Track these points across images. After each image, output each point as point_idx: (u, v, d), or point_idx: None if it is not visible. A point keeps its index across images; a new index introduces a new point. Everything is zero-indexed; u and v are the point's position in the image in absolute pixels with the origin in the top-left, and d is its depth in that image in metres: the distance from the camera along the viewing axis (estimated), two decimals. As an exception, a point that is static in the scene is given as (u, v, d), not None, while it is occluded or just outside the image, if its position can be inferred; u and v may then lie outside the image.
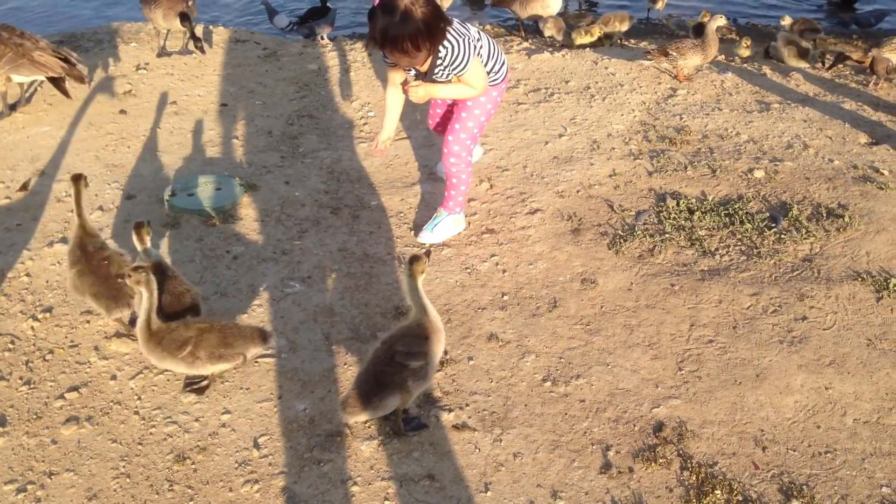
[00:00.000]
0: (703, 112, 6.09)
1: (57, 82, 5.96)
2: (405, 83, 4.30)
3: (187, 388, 3.63)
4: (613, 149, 5.60)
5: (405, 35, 3.78)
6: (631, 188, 5.13)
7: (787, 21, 8.03)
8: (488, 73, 4.36)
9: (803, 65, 7.18)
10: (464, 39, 4.06)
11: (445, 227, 4.68)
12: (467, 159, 4.54)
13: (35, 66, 5.76)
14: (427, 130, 5.96)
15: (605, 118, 6.05)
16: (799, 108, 6.14)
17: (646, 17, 9.30)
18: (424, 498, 3.11)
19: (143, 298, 3.37)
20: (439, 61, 4.09)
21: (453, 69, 4.13)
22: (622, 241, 4.57)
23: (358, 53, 7.53)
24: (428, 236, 4.66)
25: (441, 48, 4.02)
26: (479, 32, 4.33)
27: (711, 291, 4.14)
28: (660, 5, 9.01)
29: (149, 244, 3.70)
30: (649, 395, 3.56)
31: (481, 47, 4.30)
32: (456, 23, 4.12)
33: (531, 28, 8.45)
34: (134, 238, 3.68)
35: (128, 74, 6.91)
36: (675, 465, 3.22)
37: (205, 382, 3.64)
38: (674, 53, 6.48)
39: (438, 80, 4.23)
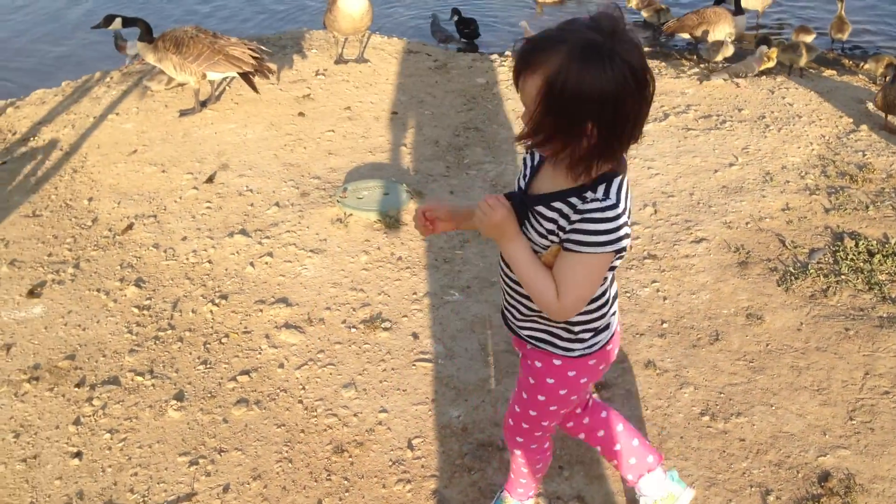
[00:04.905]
0: (889, 149, 5.74)
1: (247, 77, 6.34)
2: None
3: None
4: (788, 182, 5.38)
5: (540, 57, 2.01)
6: (805, 224, 4.91)
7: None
8: (589, 323, 2.40)
9: None
10: (616, 208, 2.12)
11: None
12: (530, 446, 2.82)
13: (230, 61, 6.16)
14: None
15: (780, 149, 5.82)
16: None
17: (830, 46, 8.86)
18: (573, 519, 3.09)
19: None
20: (574, 196, 2.15)
21: (569, 229, 2.15)
22: (793, 278, 4.38)
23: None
24: None
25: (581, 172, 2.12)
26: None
27: (890, 340, 3.90)
28: (843, 35, 8.57)
29: None
30: (816, 441, 3.40)
31: (620, 244, 2.16)
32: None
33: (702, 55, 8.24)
34: None
35: (307, 79, 7.27)
36: (840, 519, 3.06)
37: None
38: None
39: (534, 230, 2.24)
